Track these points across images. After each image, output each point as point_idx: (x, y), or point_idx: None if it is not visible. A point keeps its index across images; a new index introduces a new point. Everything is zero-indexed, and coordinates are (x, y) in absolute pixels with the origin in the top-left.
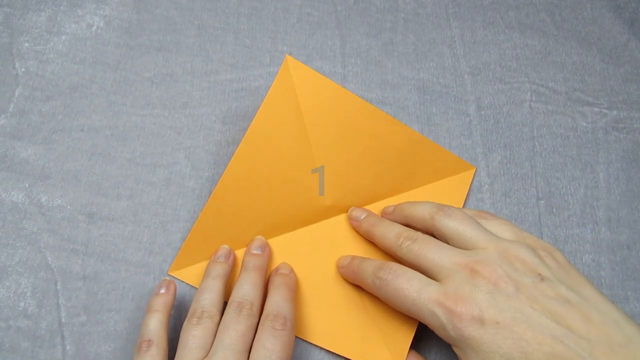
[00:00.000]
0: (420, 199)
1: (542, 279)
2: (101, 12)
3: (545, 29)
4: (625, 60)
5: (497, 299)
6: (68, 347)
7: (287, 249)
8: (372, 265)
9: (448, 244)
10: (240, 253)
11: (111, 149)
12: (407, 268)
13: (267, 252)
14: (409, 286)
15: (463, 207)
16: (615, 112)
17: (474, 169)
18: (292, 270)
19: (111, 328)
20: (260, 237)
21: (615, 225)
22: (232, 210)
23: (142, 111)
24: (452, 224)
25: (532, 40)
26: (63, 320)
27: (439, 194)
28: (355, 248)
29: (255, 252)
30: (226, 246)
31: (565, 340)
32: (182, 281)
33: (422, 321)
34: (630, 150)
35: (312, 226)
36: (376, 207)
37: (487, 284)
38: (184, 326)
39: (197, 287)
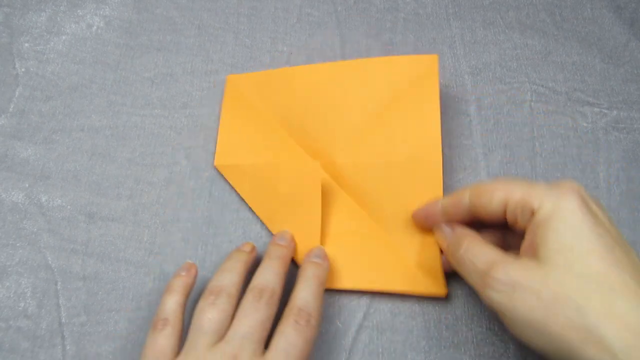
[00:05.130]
0: (396, 117)
1: None
2: (101, 12)
3: (546, 29)
4: (625, 60)
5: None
6: (68, 347)
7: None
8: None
9: None
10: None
11: (111, 149)
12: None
13: (292, 245)
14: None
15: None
16: (615, 112)
17: (437, 56)
18: (325, 257)
19: (111, 328)
20: (286, 230)
21: (615, 225)
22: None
23: (142, 111)
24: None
25: (532, 40)
26: (63, 320)
27: (410, 98)
28: (359, 201)
29: (280, 242)
30: (251, 243)
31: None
32: (226, 179)
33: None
34: (630, 150)
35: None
36: (368, 156)
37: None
38: (199, 305)
39: (235, 188)
